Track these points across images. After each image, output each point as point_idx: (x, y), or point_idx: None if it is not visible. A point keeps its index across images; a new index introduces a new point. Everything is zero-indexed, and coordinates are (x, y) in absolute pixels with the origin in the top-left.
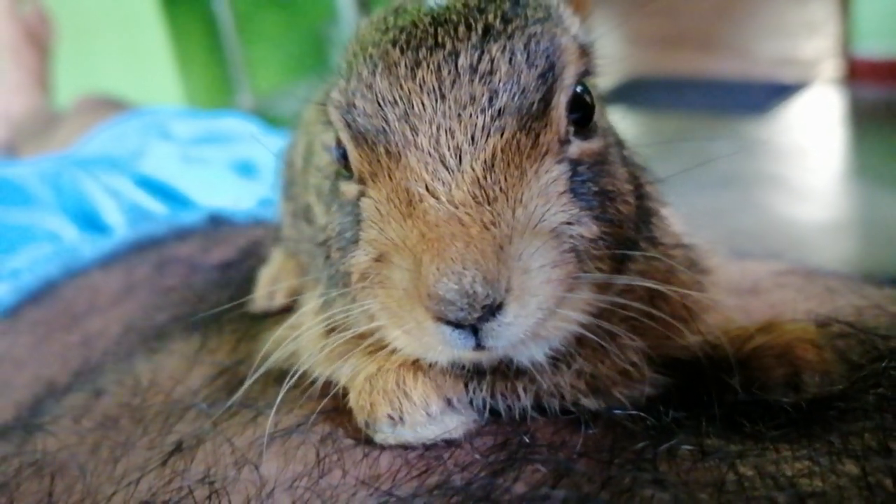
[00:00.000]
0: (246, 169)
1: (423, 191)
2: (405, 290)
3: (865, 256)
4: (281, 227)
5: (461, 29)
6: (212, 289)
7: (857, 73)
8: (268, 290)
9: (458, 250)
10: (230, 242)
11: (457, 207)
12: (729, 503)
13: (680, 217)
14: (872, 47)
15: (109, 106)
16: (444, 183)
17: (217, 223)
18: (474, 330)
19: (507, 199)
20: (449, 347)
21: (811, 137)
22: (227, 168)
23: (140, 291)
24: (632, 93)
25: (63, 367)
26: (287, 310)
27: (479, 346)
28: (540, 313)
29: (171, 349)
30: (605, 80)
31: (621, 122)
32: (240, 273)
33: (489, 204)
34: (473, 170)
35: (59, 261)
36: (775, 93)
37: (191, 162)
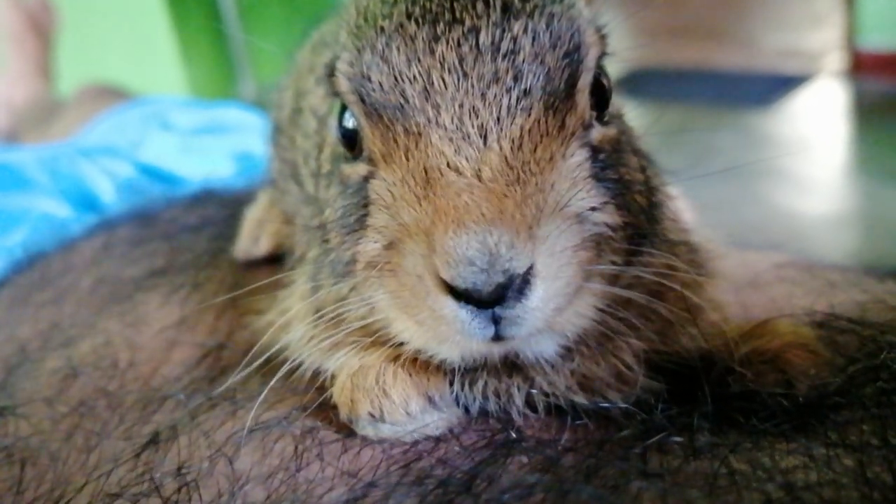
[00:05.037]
0: (246, 160)
1: (444, 167)
2: (419, 277)
3: (868, 249)
4: (269, 170)
5: (479, 5)
6: (187, 235)
7: (862, 66)
8: (252, 233)
9: (482, 213)
10: (214, 202)
11: (484, 183)
12: (720, 496)
13: (689, 210)
14: (877, 40)
15: (111, 95)
16: (468, 159)
17: (209, 193)
18: (494, 321)
19: (537, 181)
20: (465, 337)
21: (815, 130)
22: (227, 158)
23: (116, 249)
24: (636, 84)
25: (34, 326)
26: (272, 259)
27: (496, 338)
28: (562, 298)
29: (148, 316)
30: (609, 71)
31: (626, 113)
32: (219, 219)
33: (518, 184)
34: (501, 148)
35: (49, 234)
36: (779, 85)
37: (190, 152)
